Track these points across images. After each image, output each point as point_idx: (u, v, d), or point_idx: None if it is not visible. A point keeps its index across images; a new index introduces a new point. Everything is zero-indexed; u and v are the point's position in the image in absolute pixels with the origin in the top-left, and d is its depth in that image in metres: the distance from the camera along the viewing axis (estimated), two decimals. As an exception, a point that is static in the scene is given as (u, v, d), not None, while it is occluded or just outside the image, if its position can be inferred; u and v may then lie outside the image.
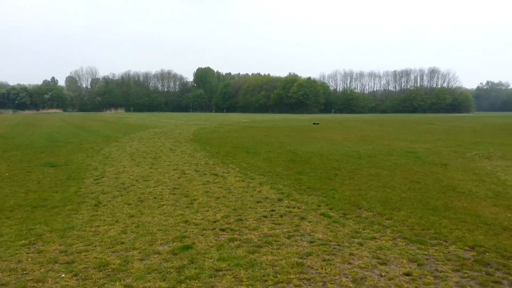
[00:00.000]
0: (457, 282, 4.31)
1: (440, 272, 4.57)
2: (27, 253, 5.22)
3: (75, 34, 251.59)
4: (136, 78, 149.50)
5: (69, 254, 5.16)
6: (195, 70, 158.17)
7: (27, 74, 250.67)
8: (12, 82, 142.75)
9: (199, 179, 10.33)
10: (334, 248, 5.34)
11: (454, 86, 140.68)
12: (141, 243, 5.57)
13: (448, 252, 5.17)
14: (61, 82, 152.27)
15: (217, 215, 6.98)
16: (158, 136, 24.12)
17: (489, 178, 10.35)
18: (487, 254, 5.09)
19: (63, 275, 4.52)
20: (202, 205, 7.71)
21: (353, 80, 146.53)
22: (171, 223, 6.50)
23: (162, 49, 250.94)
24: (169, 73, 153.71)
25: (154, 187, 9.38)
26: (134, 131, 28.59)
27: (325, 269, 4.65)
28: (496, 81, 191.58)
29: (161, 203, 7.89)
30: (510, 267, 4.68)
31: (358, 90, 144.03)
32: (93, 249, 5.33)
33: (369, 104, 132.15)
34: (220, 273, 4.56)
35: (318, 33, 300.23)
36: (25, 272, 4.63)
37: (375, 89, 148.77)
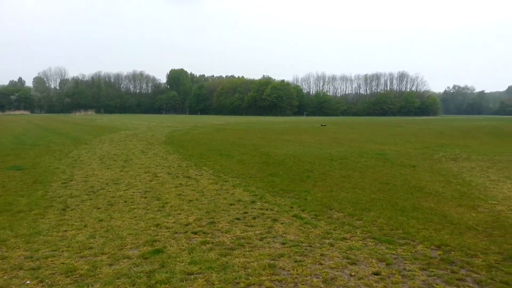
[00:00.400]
0: (424, 281, 4.44)
1: (408, 271, 4.69)
2: (-11, 260, 5.01)
3: (42, 33, 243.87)
4: (107, 79, 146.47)
5: (34, 260, 4.98)
6: (168, 71, 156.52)
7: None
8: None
9: (172, 182, 10.21)
10: (306, 249, 5.39)
11: (422, 90, 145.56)
12: (110, 247, 5.44)
13: (416, 252, 5.31)
14: (29, 83, 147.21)
15: (189, 218, 6.92)
16: (130, 139, 23.68)
17: (455, 179, 10.73)
18: (453, 252, 5.27)
19: (28, 282, 4.36)
20: (174, 208, 7.62)
21: (326, 83, 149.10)
22: (142, 227, 6.39)
23: (134, 49, 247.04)
24: (141, 74, 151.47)
25: (124, 191, 9.19)
26: (105, 133, 27.96)
27: (297, 270, 4.68)
28: (462, 85, 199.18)
29: (132, 206, 7.74)
30: (473, 264, 4.86)
31: (330, 93, 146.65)
32: (60, 255, 5.16)
33: (341, 107, 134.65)
34: (192, 276, 4.51)
35: (292, 36, 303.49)
36: (-14, 280, 4.44)
37: (347, 92, 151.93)
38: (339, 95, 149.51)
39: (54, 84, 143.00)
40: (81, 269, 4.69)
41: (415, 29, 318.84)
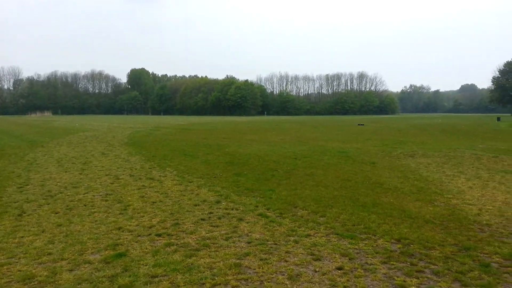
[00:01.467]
0: (385, 274, 4.60)
1: (370, 264, 4.85)
2: None
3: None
4: (63, 79, 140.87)
5: (-13, 269, 4.72)
6: (128, 71, 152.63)
7: None
8: None
9: (134, 184, 9.98)
10: (271, 247, 5.44)
11: (381, 89, 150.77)
12: (70, 253, 5.25)
13: (377, 246, 5.50)
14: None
15: (152, 220, 6.79)
16: (89, 140, 22.90)
17: (412, 175, 11.19)
18: (412, 245, 5.49)
19: (-21, 293, 4.13)
20: (137, 210, 7.46)
21: (289, 83, 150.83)
22: (103, 231, 6.21)
23: (92, 48, 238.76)
24: (100, 73, 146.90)
25: (84, 194, 8.89)
26: (63, 135, 26.88)
27: (262, 268, 4.72)
28: (418, 84, 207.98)
29: (92, 210, 7.50)
30: (431, 256, 5.08)
31: (293, 93, 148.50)
32: (17, 262, 4.93)
33: (304, 107, 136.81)
34: (156, 279, 4.44)
35: (255, 36, 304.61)
36: None
37: (309, 92, 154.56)
38: (302, 95, 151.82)
39: (7, 84, 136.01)
40: (40, 276, 4.50)
41: (374, 30, 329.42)
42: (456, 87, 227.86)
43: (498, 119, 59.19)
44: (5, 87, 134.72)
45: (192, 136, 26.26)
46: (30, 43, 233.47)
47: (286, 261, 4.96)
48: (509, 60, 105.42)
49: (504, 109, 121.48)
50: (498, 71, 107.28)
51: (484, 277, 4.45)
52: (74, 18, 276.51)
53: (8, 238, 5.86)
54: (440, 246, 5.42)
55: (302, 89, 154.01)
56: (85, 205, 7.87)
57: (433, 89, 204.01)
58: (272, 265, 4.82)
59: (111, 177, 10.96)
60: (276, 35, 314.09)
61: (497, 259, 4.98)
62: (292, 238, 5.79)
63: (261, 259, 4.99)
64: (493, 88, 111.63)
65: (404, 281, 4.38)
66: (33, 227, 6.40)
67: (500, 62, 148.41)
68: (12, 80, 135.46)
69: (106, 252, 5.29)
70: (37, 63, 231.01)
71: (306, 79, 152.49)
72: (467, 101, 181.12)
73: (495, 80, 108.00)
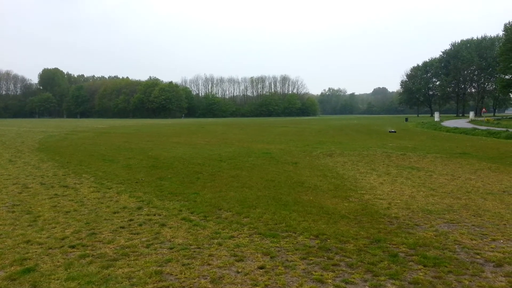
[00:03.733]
0: (304, 269, 4.78)
1: (290, 261, 5.00)
2: None
3: None
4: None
5: None
6: (40, 71, 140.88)
7: None
8: None
9: (45, 193, 9.22)
10: (194, 251, 5.37)
11: (303, 92, 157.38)
12: (-34, 273, 4.68)
13: (297, 243, 5.70)
14: None
15: (66, 231, 6.32)
16: (-7, 146, 20.69)
17: (330, 173, 11.81)
18: (328, 240, 5.78)
19: None
20: (48, 221, 6.90)
21: (214, 86, 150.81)
22: (9, 245, 5.64)
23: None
24: (7, 73, 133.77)
25: (-14, 206, 8.00)
26: (-40, 141, 23.94)
27: (184, 274, 4.64)
28: (336, 88, 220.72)
29: (-4, 223, 6.77)
30: (346, 250, 5.40)
31: (219, 95, 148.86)
32: None
33: (230, 109, 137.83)
34: (69, 294, 4.14)
35: (179, 38, 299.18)
36: None
37: (235, 94, 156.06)
38: (227, 97, 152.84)
39: None
40: None
41: (296, 35, 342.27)
42: (369, 90, 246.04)
43: (406, 119, 65.15)
44: None
45: (112, 140, 25.02)
46: None
47: (209, 264, 4.93)
48: (415, 65, 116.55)
49: (411, 110, 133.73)
50: (406, 76, 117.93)
51: (392, 266, 4.83)
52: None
53: None
54: (354, 240, 5.78)
55: (227, 91, 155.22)
56: (-14, 219, 7.07)
57: (349, 92, 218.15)
58: (195, 270, 4.75)
59: (19, 186, 10.01)
60: (200, 37, 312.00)
61: (404, 249, 5.44)
62: (215, 241, 5.77)
63: (183, 265, 4.90)
64: (401, 91, 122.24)
65: (322, 275, 4.60)
66: None
67: (407, 67, 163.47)
68: None
69: (12, 268, 4.81)
70: None
71: (232, 81, 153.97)
72: (379, 103, 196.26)
73: (403, 83, 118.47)
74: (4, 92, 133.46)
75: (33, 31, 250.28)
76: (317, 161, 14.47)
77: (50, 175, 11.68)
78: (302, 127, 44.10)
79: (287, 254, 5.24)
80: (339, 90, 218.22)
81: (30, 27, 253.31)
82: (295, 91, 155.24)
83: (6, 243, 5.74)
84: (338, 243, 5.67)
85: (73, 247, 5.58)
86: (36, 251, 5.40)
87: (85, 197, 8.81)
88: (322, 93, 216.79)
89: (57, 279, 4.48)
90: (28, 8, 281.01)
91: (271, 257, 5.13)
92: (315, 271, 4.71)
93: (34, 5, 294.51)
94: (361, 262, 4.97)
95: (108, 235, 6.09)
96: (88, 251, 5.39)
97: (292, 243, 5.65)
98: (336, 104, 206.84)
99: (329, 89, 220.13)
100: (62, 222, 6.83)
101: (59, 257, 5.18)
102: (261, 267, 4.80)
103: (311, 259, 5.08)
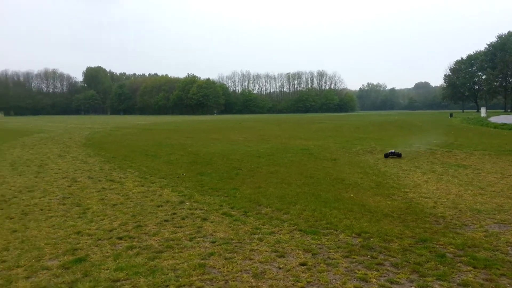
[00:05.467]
0: (347, 267, 4.72)
1: (332, 259, 4.96)
2: None
3: None
4: (15, 78, 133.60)
5: None
6: (84, 69, 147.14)
7: None
8: None
9: (93, 187, 9.65)
10: (236, 246, 5.45)
11: (340, 87, 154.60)
12: (26, 259, 5.01)
13: (339, 240, 5.63)
14: None
15: (113, 223, 6.60)
16: (45, 142, 21.90)
17: (371, 170, 11.56)
18: (372, 239, 5.67)
19: None
20: (97, 213, 7.23)
21: (251, 82, 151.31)
22: (61, 236, 5.96)
23: (45, 46, 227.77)
24: (54, 72, 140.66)
25: (40, 198, 8.50)
26: (16, 137, 25.53)
27: (227, 267, 4.71)
28: (375, 83, 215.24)
29: (49, 214, 7.18)
30: (390, 249, 5.27)
31: (256, 91, 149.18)
32: (-34, 273, 4.63)
33: (267, 105, 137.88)
34: (118, 283, 4.32)
35: (215, 35, 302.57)
36: None
37: (271, 91, 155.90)
38: (264, 93, 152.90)
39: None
40: (-9, 287, 4.25)
41: (332, 29, 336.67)
42: (411, 85, 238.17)
43: (451, 115, 62.44)
44: None
45: (154, 136, 25.76)
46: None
47: (250, 259, 4.98)
48: (459, 58, 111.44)
49: (456, 106, 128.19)
50: (450, 70, 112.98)
51: (440, 267, 4.66)
52: (26, 15, 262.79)
53: (-44, 247, 5.49)
54: (399, 239, 5.64)
55: (264, 88, 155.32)
56: (41, 210, 7.52)
57: (389, 87, 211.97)
58: (237, 264, 4.82)
59: (69, 180, 10.54)
60: (236, 33, 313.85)
61: (452, 249, 5.23)
62: (256, 236, 5.82)
63: (225, 258, 4.98)
64: (445, 86, 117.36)
65: (365, 274, 4.52)
66: (-16, 235, 6.03)
67: (451, 61, 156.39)
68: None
69: (65, 257, 5.09)
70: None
71: (268, 77, 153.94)
72: (421, 98, 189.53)
73: (446, 78, 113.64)
74: (51, 90, 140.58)
75: (76, 32, 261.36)
76: (357, 158, 14.21)
77: (97, 170, 12.21)
78: (340, 123, 43.42)
79: (329, 252, 5.19)
80: (378, 85, 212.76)
81: (74, 28, 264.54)
82: (332, 86, 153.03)
83: (58, 234, 6.07)
84: (381, 242, 5.55)
85: (120, 238, 5.81)
86: (86, 242, 5.67)
87: (130, 191, 9.14)
88: (360, 88, 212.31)
89: (107, 269, 4.68)
90: (71, 12, 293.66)
91: (312, 254, 5.10)
92: (359, 270, 4.64)
93: (76, 8, 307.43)
94: (407, 262, 4.84)
95: (153, 228, 6.30)
96: (135, 243, 5.60)
97: (334, 241, 5.60)
98: (376, 99, 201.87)
99: (368, 84, 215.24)
100: (110, 215, 7.13)
101: (108, 248, 5.42)
102: (302, 264, 4.79)
103: (354, 258, 5.00)
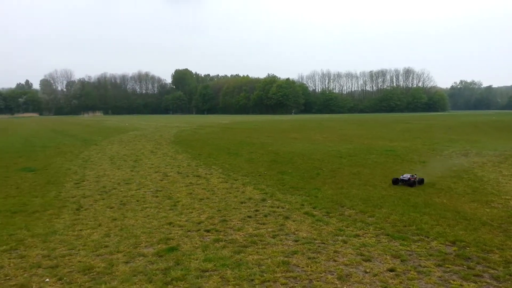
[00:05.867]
0: (440, 277, 4.42)
1: (423, 267, 4.68)
2: (9, 258, 5.09)
3: (47, 36, 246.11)
4: (112, 81, 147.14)
5: (52, 258, 5.05)
6: (173, 71, 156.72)
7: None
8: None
9: (182, 181, 10.26)
10: (319, 246, 5.40)
11: (429, 85, 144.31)
12: (125, 246, 5.50)
13: (430, 248, 5.29)
14: (36, 86, 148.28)
15: (201, 216, 6.96)
16: (139, 139, 23.82)
17: (466, 174, 10.65)
18: (468, 248, 5.24)
19: (47, 280, 4.43)
20: (186, 207, 7.67)
21: (331, 81, 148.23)
22: (155, 226, 6.44)
23: (138, 50, 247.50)
24: (146, 74, 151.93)
25: (136, 190, 9.26)
26: (114, 134, 28.14)
27: (311, 267, 4.69)
28: (469, 80, 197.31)
29: (144, 205, 7.80)
30: (490, 260, 4.82)
31: (336, 90, 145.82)
32: (77, 253, 5.23)
33: (348, 104, 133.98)
34: (207, 273, 4.55)
35: (294, 34, 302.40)
36: (7, 277, 4.52)
37: (352, 90, 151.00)
38: (345, 92, 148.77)
39: (61, 86, 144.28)
40: (98, 267, 4.75)
41: (418, 24, 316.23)
42: (510, 82, 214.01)
43: (561, 115, 54.88)
44: (59, 88, 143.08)
45: (235, 135, 26.58)
46: (80, 46, 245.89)
47: (335, 260, 4.90)
48: None
49: None
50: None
51: (550, 284, 4.16)
52: (119, 23, 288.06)
53: (68, 231, 6.22)
54: (500, 250, 5.13)
55: (345, 87, 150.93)
56: (137, 201, 8.20)
57: (485, 84, 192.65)
58: (321, 264, 4.78)
59: (160, 174, 11.33)
60: (316, 32, 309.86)
61: None
62: (340, 238, 5.71)
63: (309, 258, 4.97)
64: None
65: (461, 285, 4.19)
66: (90, 221, 6.75)
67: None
68: (65, 82, 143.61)
69: (159, 246, 5.48)
70: (87, 65, 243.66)
71: (349, 76, 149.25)
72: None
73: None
74: (144, 91, 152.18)
75: (165, 36, 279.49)
76: (450, 161, 13.19)
77: (184, 165, 12.96)
78: (429, 123, 40.62)
79: (420, 259, 4.90)
80: (472, 83, 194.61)
81: (163, 33, 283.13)
82: (420, 84, 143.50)
83: (152, 224, 6.56)
84: (479, 252, 5.10)
85: (208, 231, 6.11)
86: (177, 233, 6.05)
87: (215, 186, 9.55)
88: (452, 86, 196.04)
89: (196, 259, 4.95)
90: (159, 17, 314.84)
91: (401, 260, 4.86)
92: (453, 280, 4.32)
93: (163, 14, 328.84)
94: (510, 275, 4.39)
95: (237, 223, 6.51)
96: (221, 236, 5.84)
97: (425, 248, 5.27)
98: (469, 98, 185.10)
99: (461, 81, 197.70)
100: (198, 208, 7.53)
101: (197, 239, 5.72)
102: (391, 270, 4.59)
103: (448, 267, 4.67)
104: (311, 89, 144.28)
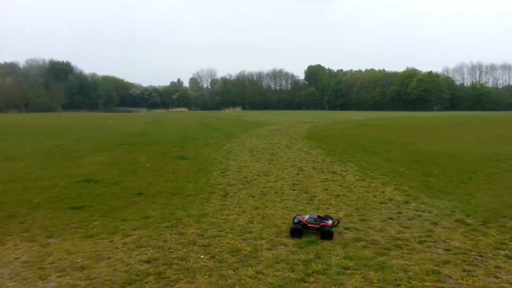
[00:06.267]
0: None
1: None
2: (171, 234, 5.85)
3: (194, 36, 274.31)
4: (250, 78, 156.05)
5: (205, 238, 5.63)
6: (305, 68, 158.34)
7: (156, 76, 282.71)
8: (145, 84, 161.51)
9: (317, 177, 10.32)
10: (475, 258, 4.82)
11: None
12: (267, 233, 5.79)
13: None
14: (186, 84, 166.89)
15: (338, 213, 6.89)
16: (274, 133, 24.79)
17: None
18: None
19: (202, 256, 4.95)
20: (323, 202, 7.69)
21: (483, 74, 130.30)
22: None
23: (273, 49, 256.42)
24: (280, 71, 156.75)
25: (274, 182, 9.66)
26: (252, 129, 29.86)
27: (466, 280, 4.22)
28: None
29: (282, 197, 8.09)
30: None
31: (490, 84, 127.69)
32: (225, 235, 5.72)
33: (505, 101, 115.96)
34: (348, 271, 4.48)
35: (436, 24, 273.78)
36: (170, 250, 5.20)
37: (511, 83, 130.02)
38: (500, 86, 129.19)
39: (206, 84, 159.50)
40: (244, 250, 5.11)
41: None
42: None
43: None
44: (205, 86, 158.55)
45: (370, 132, 25.55)
46: (222, 48, 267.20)
47: (496, 277, 4.31)
48: None
49: None
50: None
51: None
52: (254, 25, 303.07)
53: (217, 214, 6.84)
54: None
55: (501, 80, 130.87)
56: (276, 192, 8.55)
57: None
58: (479, 279, 4.26)
59: (296, 168, 11.59)
60: (463, 20, 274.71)
61: None
62: (502, 252, 5.00)
63: (464, 270, 4.47)
64: None
65: None
66: (235, 208, 7.30)
67: None
68: (209, 80, 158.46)
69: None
70: (228, 63, 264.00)
71: (506, 68, 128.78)
72: None
73: None
74: (278, 88, 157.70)
75: (298, 34, 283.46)
76: None
77: (319, 161, 13.00)
78: None
79: None
80: None
81: (294, 31, 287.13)
82: None
83: (291, 215, 6.69)
84: None
85: (347, 229, 6.01)
86: (316, 227, 6.09)
87: (351, 184, 9.34)
88: None
89: (336, 256, 4.92)
90: (291, 16, 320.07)
91: None
92: None
93: (296, 12, 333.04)
94: None
95: (377, 224, 6.25)
96: (360, 235, 5.69)
97: None
98: None
99: None
100: (334, 204, 7.48)
101: (336, 235, 5.68)
102: None
103: None
104: (458, 83, 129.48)
